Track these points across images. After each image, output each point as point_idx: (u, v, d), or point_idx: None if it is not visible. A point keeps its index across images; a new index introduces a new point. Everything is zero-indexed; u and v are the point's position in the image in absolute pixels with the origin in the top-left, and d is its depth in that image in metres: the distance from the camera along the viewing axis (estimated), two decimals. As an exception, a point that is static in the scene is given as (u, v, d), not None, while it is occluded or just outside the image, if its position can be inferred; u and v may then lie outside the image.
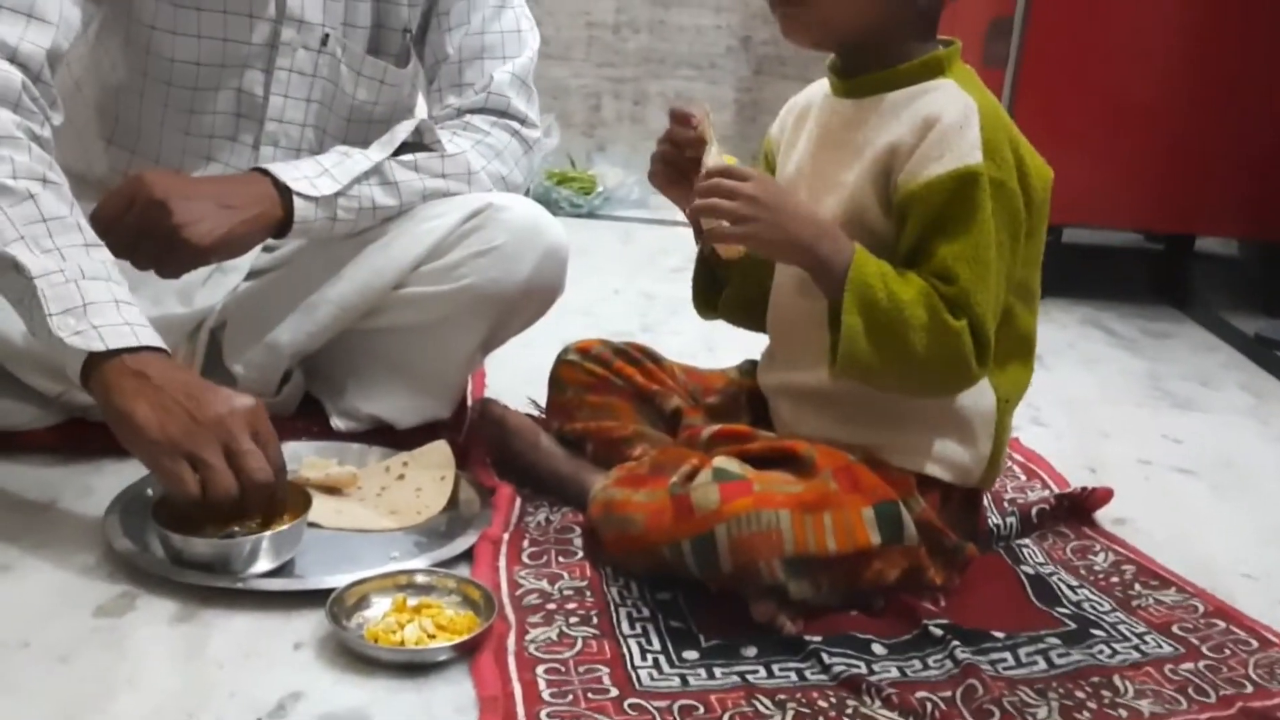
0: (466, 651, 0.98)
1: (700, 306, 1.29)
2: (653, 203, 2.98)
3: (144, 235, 1.18)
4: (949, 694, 0.97)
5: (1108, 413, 1.78)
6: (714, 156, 1.10)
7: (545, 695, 0.93)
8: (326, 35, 1.35)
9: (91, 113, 1.38)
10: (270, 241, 1.35)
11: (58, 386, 1.30)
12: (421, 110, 1.51)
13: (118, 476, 1.24)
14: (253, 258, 1.41)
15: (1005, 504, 1.35)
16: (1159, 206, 2.45)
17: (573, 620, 1.05)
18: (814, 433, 1.15)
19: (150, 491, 1.18)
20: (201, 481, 1.02)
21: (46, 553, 1.11)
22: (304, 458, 1.29)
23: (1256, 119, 2.35)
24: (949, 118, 1.05)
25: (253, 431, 1.06)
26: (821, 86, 1.20)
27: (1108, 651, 1.06)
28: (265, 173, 1.25)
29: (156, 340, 1.08)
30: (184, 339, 1.39)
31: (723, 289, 1.27)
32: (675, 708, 0.93)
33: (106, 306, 1.07)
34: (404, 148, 1.33)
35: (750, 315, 1.27)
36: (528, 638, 1.01)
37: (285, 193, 1.24)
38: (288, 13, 1.33)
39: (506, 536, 1.18)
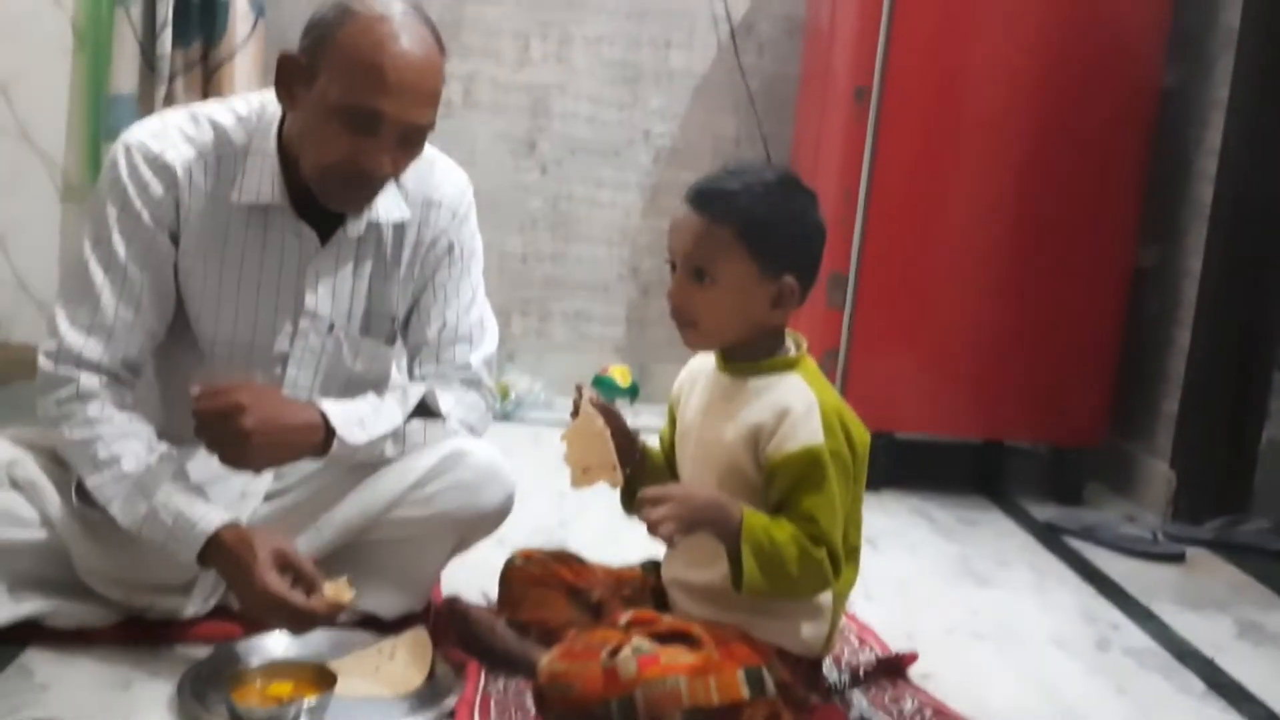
0: (461, 783, 1.39)
1: (625, 506, 1.68)
2: (557, 405, 3.43)
3: (221, 445, 1.58)
4: (797, 801, 1.42)
5: (925, 589, 2.24)
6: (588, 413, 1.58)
7: (521, 811, 1.35)
8: (332, 324, 1.79)
9: (154, 381, 1.80)
10: (281, 470, 1.81)
11: (119, 593, 1.68)
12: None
13: (173, 659, 1.62)
14: (267, 486, 1.83)
15: (843, 664, 1.79)
16: (973, 418, 2.93)
17: (533, 759, 1.47)
18: (701, 616, 1.60)
19: (205, 671, 1.58)
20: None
21: (136, 722, 1.49)
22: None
23: (1048, 349, 2.87)
24: (798, 409, 1.53)
25: (282, 567, 1.56)
26: (710, 358, 1.67)
27: (908, 770, 1.53)
28: (320, 411, 1.65)
29: (213, 522, 1.57)
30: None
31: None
32: (612, 817, 1.35)
33: (179, 527, 1.56)
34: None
35: None
36: (504, 772, 1.43)
37: (330, 432, 1.65)
38: (304, 309, 1.76)
39: (478, 699, 1.59)
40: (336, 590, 1.60)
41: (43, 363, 1.62)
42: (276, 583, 1.54)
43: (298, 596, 1.55)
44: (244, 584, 1.56)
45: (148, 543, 1.59)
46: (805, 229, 1.58)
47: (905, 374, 2.84)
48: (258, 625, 1.64)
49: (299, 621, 1.57)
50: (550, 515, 2.49)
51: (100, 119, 3.07)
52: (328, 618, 1.58)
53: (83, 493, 1.64)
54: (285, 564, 1.57)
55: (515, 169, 3.56)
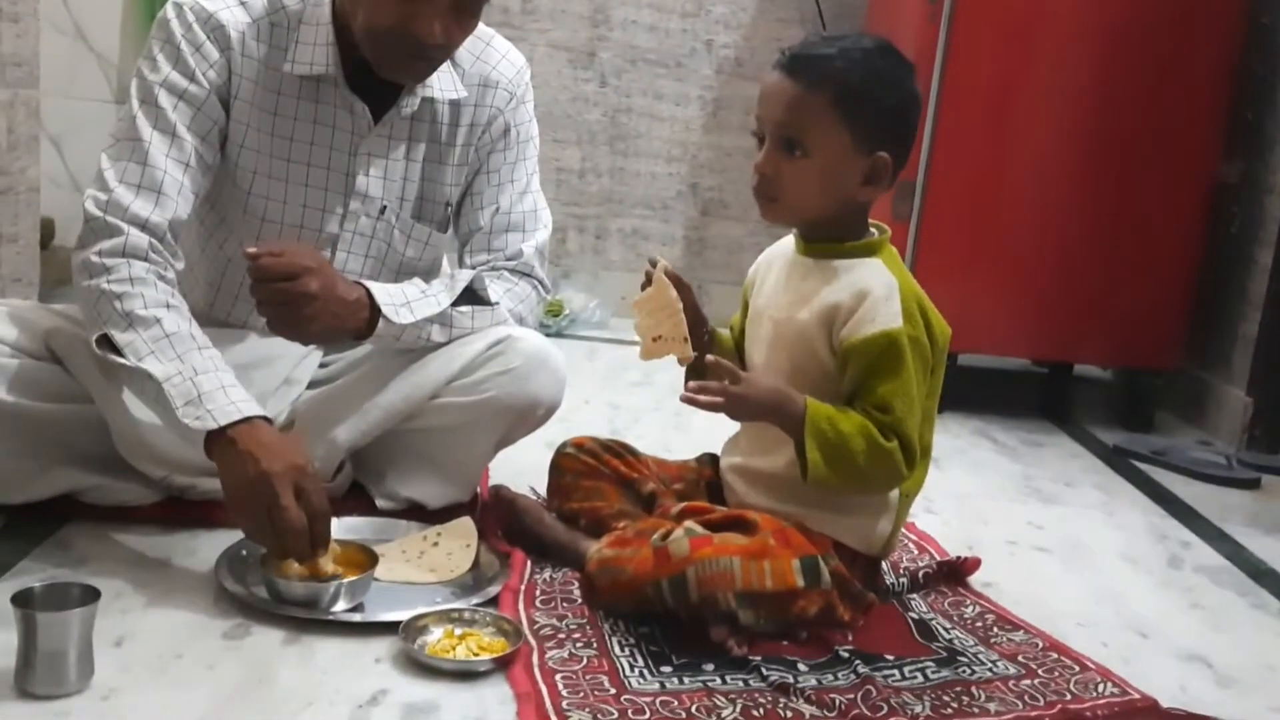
0: (503, 665, 1.34)
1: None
2: (612, 324, 3.38)
3: (278, 307, 1.52)
4: (852, 696, 1.34)
5: (987, 505, 2.17)
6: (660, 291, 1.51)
7: (563, 692, 1.29)
8: (384, 206, 1.75)
9: (199, 261, 1.76)
10: (326, 359, 1.76)
11: (161, 471, 1.64)
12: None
13: (212, 540, 1.58)
14: (311, 373, 1.79)
15: (901, 569, 1.74)
16: (1042, 339, 2.84)
17: (578, 644, 1.41)
18: (758, 504, 1.54)
19: (245, 551, 1.54)
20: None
21: (174, 596, 1.44)
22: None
23: (1123, 268, 2.76)
24: (878, 292, 1.46)
25: (296, 490, 1.39)
26: (789, 242, 1.61)
27: (969, 672, 1.43)
28: (366, 290, 1.60)
29: (255, 409, 1.44)
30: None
31: None
32: (657, 702, 1.29)
33: (216, 394, 1.44)
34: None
35: None
36: (547, 656, 1.37)
37: (375, 310, 1.60)
38: (355, 189, 1.72)
39: (523, 588, 1.54)
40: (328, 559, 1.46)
41: (90, 209, 1.52)
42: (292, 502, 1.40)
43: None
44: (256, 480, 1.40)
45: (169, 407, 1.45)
46: (903, 100, 1.50)
47: (973, 290, 2.75)
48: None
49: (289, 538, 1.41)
50: (603, 427, 2.44)
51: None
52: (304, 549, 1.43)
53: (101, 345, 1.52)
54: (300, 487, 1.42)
55: (574, 80, 3.48)
